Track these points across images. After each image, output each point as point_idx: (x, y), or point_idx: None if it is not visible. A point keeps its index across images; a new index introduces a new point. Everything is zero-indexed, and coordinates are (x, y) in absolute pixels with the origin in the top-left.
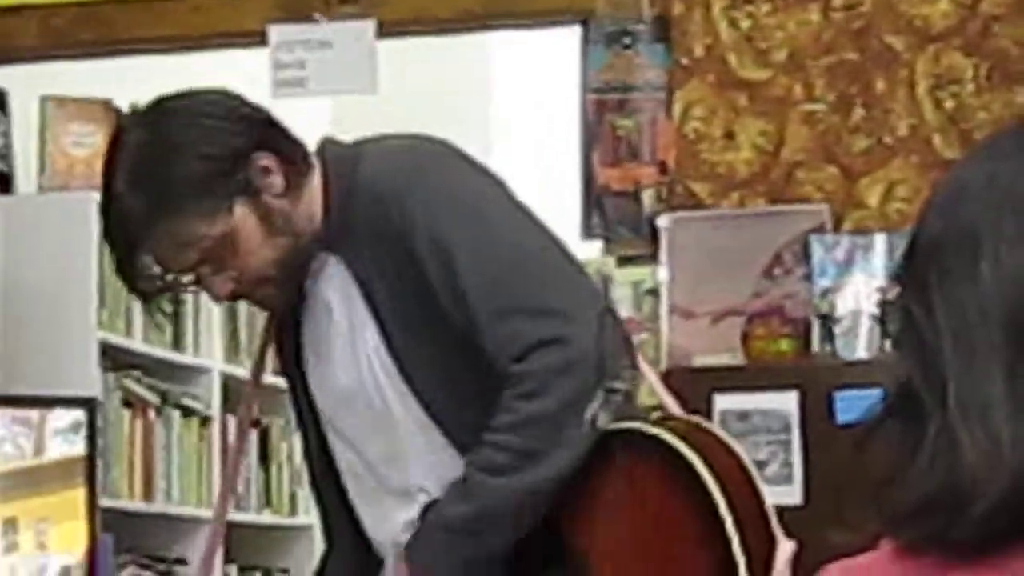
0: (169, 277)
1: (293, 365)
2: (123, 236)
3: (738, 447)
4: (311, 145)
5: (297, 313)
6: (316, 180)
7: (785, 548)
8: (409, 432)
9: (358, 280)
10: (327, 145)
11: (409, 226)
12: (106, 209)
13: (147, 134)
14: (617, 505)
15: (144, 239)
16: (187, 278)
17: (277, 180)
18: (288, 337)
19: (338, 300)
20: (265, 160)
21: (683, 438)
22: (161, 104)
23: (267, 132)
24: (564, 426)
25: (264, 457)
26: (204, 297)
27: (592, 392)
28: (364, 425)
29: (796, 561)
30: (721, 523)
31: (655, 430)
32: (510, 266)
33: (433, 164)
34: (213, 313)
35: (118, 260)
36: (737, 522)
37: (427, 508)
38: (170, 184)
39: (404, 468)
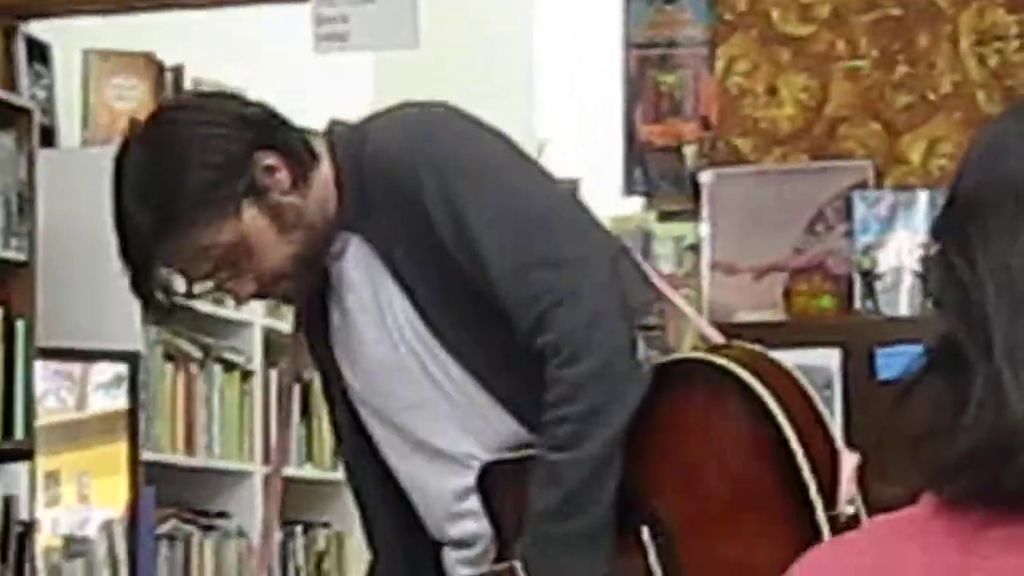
0: (196, 288)
1: (324, 352)
2: (135, 253)
3: (789, 365)
4: (354, 104)
5: (324, 297)
6: (326, 166)
7: (850, 459)
8: (452, 398)
9: (380, 254)
10: (334, 127)
11: (420, 192)
12: (119, 227)
13: (147, 149)
14: (678, 436)
15: (156, 254)
16: (206, 286)
17: (283, 176)
18: (317, 323)
19: (362, 277)
20: (268, 159)
21: (739, 362)
22: (160, 115)
23: (267, 130)
24: (616, 375)
25: (306, 411)
26: None
27: (629, 333)
28: (404, 398)
29: (861, 472)
30: (785, 441)
31: (710, 357)
32: (520, 219)
33: (436, 129)
34: None
35: (132, 276)
36: (800, 437)
37: (483, 473)
38: (174, 197)
39: (450, 435)
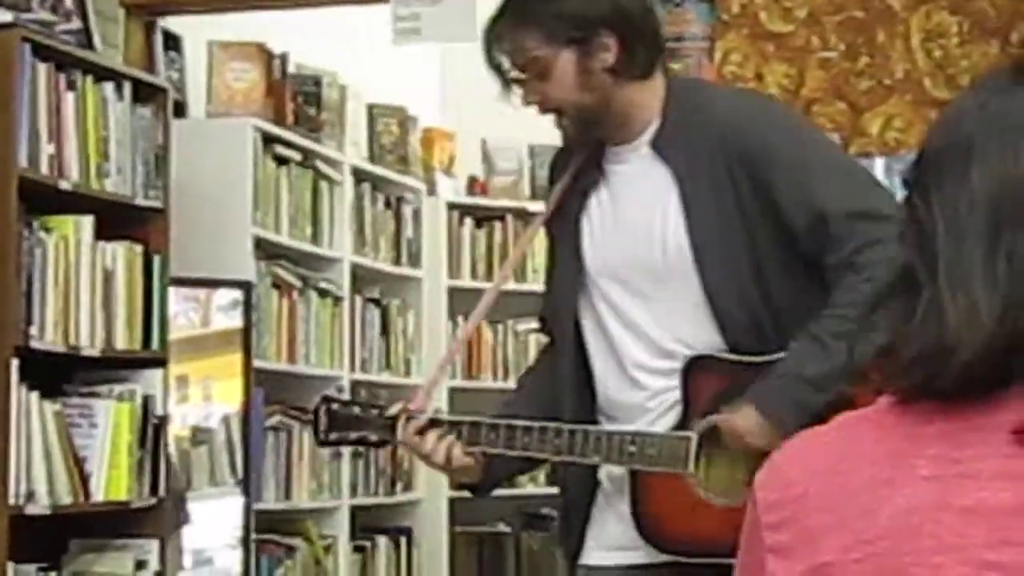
0: (512, 74)
1: (571, 227)
2: (488, 27)
3: None
4: (423, 84)
5: (588, 186)
6: (657, 89)
7: None
8: (679, 297)
9: (677, 177)
10: (674, 76)
11: (770, 152)
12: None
13: None
14: None
15: (497, 30)
16: (517, 75)
17: (609, 57)
18: (573, 203)
19: (649, 184)
20: (609, 39)
21: None
22: None
23: (627, 24)
24: None
25: (384, 330)
26: (336, 201)
27: None
28: (633, 286)
29: None
30: None
31: None
32: (850, 180)
33: (774, 107)
34: (344, 213)
35: (485, 42)
36: None
37: (691, 361)
38: (530, 7)
39: (660, 327)
